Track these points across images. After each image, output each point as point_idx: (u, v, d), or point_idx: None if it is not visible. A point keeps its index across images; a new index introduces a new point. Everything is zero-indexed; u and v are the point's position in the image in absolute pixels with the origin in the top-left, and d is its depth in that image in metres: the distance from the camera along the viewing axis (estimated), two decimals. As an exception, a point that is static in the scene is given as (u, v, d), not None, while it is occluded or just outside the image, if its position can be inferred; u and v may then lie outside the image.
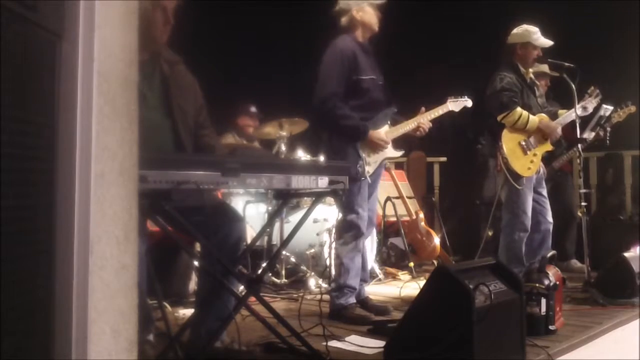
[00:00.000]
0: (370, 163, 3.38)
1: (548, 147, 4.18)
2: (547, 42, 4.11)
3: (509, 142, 4.00)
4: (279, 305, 3.74)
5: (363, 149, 3.35)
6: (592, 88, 4.25)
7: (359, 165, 3.31)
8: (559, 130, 4.13)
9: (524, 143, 4.03)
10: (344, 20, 3.46)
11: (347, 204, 3.31)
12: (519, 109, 3.98)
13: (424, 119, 3.54)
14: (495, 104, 4.01)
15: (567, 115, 4.23)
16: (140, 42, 2.41)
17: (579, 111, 4.11)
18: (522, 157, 4.02)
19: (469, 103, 3.76)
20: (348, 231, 3.37)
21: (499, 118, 3.99)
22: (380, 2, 3.43)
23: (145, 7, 2.35)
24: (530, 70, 4.25)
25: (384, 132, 3.44)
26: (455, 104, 3.72)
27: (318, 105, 3.28)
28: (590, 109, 4.24)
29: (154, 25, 2.40)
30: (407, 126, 3.52)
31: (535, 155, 4.07)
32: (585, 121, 4.61)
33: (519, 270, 3.80)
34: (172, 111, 2.50)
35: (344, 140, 3.33)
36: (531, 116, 4.01)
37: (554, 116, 4.26)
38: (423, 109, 3.57)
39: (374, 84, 3.42)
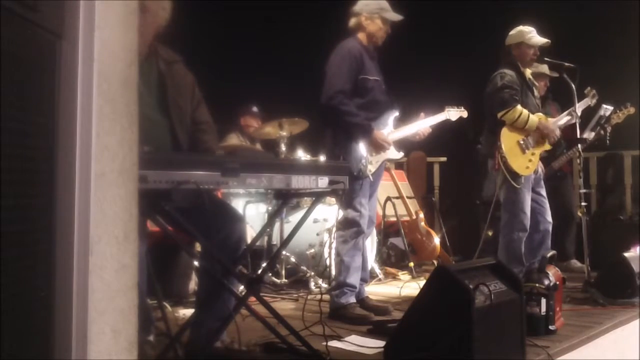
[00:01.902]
0: (372, 162, 3.39)
1: (547, 146, 4.19)
2: (541, 40, 4.11)
3: (508, 141, 4.00)
4: (279, 305, 3.74)
5: (366, 148, 3.37)
6: (589, 89, 4.26)
7: (362, 163, 3.32)
8: (558, 132, 4.14)
9: (522, 142, 4.03)
10: (352, 21, 3.50)
11: (349, 202, 3.33)
12: (519, 107, 3.99)
13: (424, 125, 3.59)
14: (496, 101, 4.02)
15: (560, 117, 4.25)
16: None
17: (570, 116, 4.17)
18: (520, 156, 4.02)
19: (464, 114, 3.88)
20: (349, 229, 3.37)
21: (499, 115, 4.00)
22: (391, 18, 3.44)
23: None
24: (529, 70, 4.26)
25: (386, 133, 3.46)
26: (453, 113, 3.83)
27: (325, 101, 3.31)
28: (580, 109, 4.23)
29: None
30: (408, 130, 3.58)
31: (533, 154, 4.07)
32: (585, 121, 4.62)
33: (519, 270, 3.82)
34: (169, 109, 2.49)
35: (349, 137, 3.35)
36: (531, 115, 4.02)
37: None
38: (422, 114, 3.65)
39: (378, 86, 3.47)
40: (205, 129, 2.65)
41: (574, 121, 4.18)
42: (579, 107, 4.20)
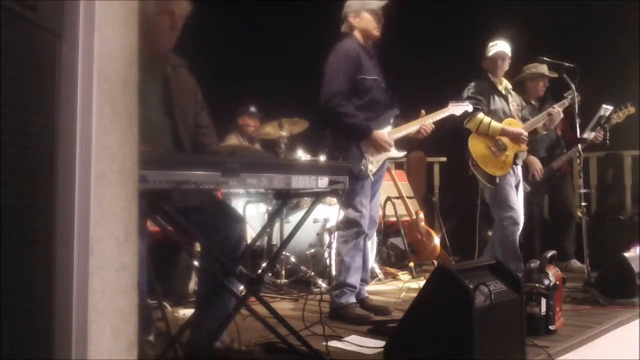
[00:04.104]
0: (373, 162, 3.39)
1: (521, 148, 4.30)
2: (496, 49, 4.30)
3: (477, 147, 4.25)
4: (279, 305, 3.74)
5: (366, 149, 3.37)
6: (569, 91, 4.30)
7: (362, 163, 3.32)
8: (525, 135, 4.26)
9: (492, 146, 4.23)
10: (343, 26, 3.54)
11: (350, 202, 3.33)
12: (480, 115, 4.20)
13: (427, 122, 3.57)
14: None
15: (536, 119, 4.40)
16: (144, 44, 2.46)
17: (549, 116, 4.32)
18: (492, 159, 4.23)
19: (470, 108, 3.93)
20: (350, 229, 3.37)
21: (464, 124, 4.24)
22: (376, 7, 3.44)
23: (151, 10, 2.36)
24: (505, 81, 4.45)
25: (387, 132, 3.45)
26: (457, 108, 3.84)
27: (323, 103, 3.31)
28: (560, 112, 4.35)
29: (159, 30, 2.42)
30: (410, 128, 3.56)
31: (506, 156, 4.24)
32: (585, 121, 4.62)
33: (517, 266, 3.90)
34: (173, 112, 2.51)
35: (348, 138, 3.34)
36: (493, 122, 4.23)
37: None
38: (423, 111, 3.62)
39: (377, 85, 3.45)
40: (206, 132, 2.68)
41: (552, 120, 4.31)
42: (559, 107, 4.33)
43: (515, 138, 4.23)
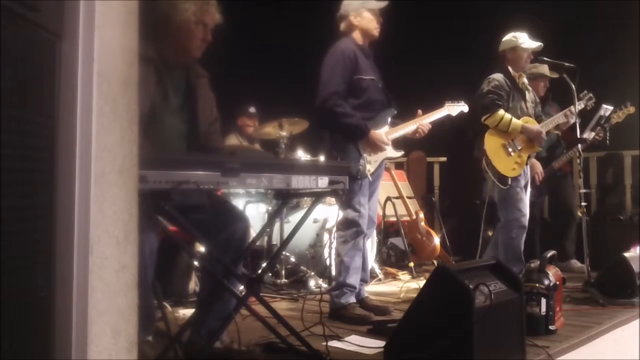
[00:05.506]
0: (370, 162, 3.39)
1: (536, 148, 4.24)
2: (534, 44, 4.16)
3: (493, 144, 4.09)
4: (279, 305, 3.74)
5: (364, 148, 3.36)
6: (585, 92, 4.27)
7: (360, 164, 3.32)
8: (544, 135, 4.18)
9: (507, 145, 4.10)
10: (342, 25, 3.52)
11: (348, 203, 3.33)
12: (501, 111, 4.05)
13: (424, 122, 3.56)
14: (479, 105, 4.11)
15: (552, 120, 4.31)
16: (175, 51, 2.53)
17: (566, 118, 4.22)
18: (506, 158, 4.10)
19: (465, 108, 3.88)
20: (349, 229, 3.37)
21: (482, 119, 4.10)
22: (376, 7, 3.44)
23: (187, 19, 2.43)
24: (523, 76, 4.31)
25: (384, 132, 3.45)
26: (453, 109, 3.82)
27: (320, 103, 3.31)
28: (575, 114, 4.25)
29: (192, 39, 2.48)
30: (407, 127, 3.55)
31: (520, 156, 4.13)
32: (585, 121, 4.62)
33: (519, 269, 3.86)
34: (192, 120, 2.55)
35: (346, 138, 3.34)
36: (514, 119, 4.08)
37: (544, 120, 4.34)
38: (420, 111, 3.62)
39: (374, 85, 3.45)
40: (215, 139, 2.72)
41: (567, 121, 4.24)
42: (574, 109, 4.23)
43: (535, 137, 4.11)
